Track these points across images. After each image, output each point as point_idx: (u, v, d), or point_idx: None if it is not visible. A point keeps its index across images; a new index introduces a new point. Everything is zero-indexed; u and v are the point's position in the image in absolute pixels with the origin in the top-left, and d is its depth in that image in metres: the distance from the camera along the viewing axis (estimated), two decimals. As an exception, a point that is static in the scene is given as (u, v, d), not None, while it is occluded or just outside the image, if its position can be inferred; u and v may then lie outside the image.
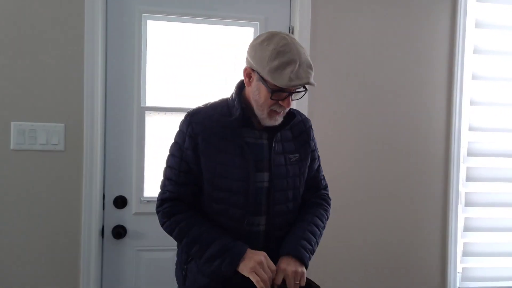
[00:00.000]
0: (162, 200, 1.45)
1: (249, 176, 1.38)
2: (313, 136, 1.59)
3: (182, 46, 2.14)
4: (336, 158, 2.20)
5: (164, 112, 2.14)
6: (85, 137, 2.02)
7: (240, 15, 2.17)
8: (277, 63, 1.28)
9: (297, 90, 1.37)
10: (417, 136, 2.27)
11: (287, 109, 1.41)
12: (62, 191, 2.02)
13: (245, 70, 1.40)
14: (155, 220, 2.09)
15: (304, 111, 2.13)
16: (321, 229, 1.49)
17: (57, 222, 2.02)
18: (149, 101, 2.13)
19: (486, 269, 2.36)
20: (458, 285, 2.32)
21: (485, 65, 2.30)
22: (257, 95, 1.37)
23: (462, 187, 2.31)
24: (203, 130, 1.41)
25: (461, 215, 2.31)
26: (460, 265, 2.33)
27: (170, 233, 1.43)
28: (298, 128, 1.54)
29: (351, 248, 2.24)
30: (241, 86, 1.49)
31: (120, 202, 2.11)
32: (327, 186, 1.67)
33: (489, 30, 2.29)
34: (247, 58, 1.40)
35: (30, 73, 1.97)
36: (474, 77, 2.29)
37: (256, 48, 1.35)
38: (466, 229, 2.32)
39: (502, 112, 2.33)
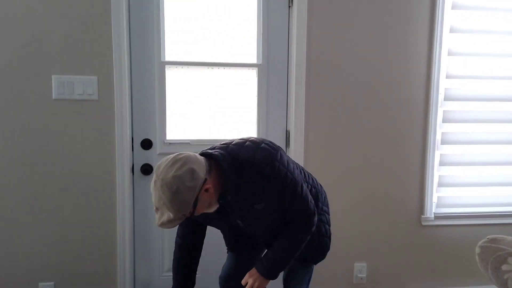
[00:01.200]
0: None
1: (226, 225, 1.84)
2: (272, 181, 1.56)
3: (195, 5, 2.43)
4: (330, 109, 2.55)
5: (182, 66, 2.46)
6: (115, 88, 2.34)
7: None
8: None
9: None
10: (401, 83, 2.60)
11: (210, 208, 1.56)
12: (98, 135, 2.37)
13: None
14: (176, 159, 2.49)
15: (302, 66, 2.46)
16: (295, 250, 1.70)
17: (95, 161, 2.38)
18: (169, 57, 2.45)
19: (457, 197, 2.77)
20: (434, 211, 2.74)
21: (462, 19, 2.61)
22: None
23: (439, 128, 2.68)
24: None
25: (438, 151, 2.69)
26: (436, 194, 2.74)
27: None
28: (255, 181, 1.56)
29: (343, 179, 2.63)
30: None
31: (147, 144, 2.47)
32: (303, 213, 1.68)
33: (466, -12, 2.59)
34: None
35: (66, 33, 2.27)
36: (452, 31, 2.61)
37: None
38: (442, 163, 2.72)
39: (476, 61, 2.66)
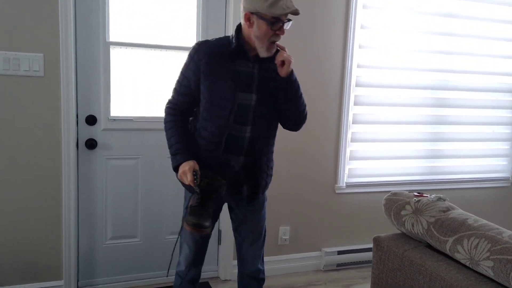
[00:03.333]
0: (168, 101, 1.99)
1: (235, 95, 1.83)
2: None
3: (139, -8, 2.60)
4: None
5: (126, 46, 2.62)
6: (62, 65, 2.45)
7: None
8: (271, 0, 1.71)
9: (286, 21, 1.78)
10: (322, 72, 3.00)
11: (279, 39, 1.82)
12: (44, 110, 2.46)
13: (245, 15, 1.78)
14: (120, 135, 2.68)
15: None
16: (302, 97, 1.98)
17: (41, 135, 2.47)
18: (114, 37, 2.59)
19: (364, 169, 3.28)
20: (345, 180, 3.21)
21: (371, 19, 3.07)
22: (257, 31, 1.78)
23: (351, 110, 3.13)
24: (205, 56, 1.84)
25: (349, 129, 3.16)
26: (347, 166, 3.21)
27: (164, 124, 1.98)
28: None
29: (271, 155, 2.98)
30: (238, 29, 1.88)
31: (91, 119, 2.60)
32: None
33: (375, -9, 3.04)
34: (244, 6, 1.79)
35: (13, 10, 2.32)
36: (362, 27, 3.06)
37: None
38: (352, 140, 3.19)
39: (382, 54, 3.15)
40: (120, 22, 2.59)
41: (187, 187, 1.97)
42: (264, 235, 2.14)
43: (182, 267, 2.08)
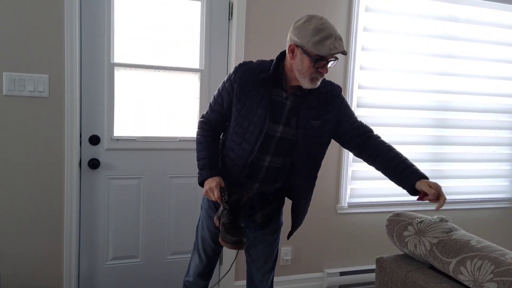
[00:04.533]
0: (202, 115, 1.98)
1: (265, 123, 1.77)
2: (341, 104, 1.91)
3: (144, 12, 2.64)
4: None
5: (130, 68, 2.66)
6: (66, 86, 2.48)
7: (191, -9, 2.71)
8: (319, 38, 1.63)
9: (331, 60, 1.70)
10: (322, 92, 3.03)
11: (324, 76, 1.75)
12: (48, 130, 2.48)
13: (289, 46, 1.72)
14: (123, 155, 2.70)
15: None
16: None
17: (44, 155, 2.49)
18: (118, 59, 2.62)
19: (366, 189, 3.28)
20: (347, 200, 3.21)
21: (371, 40, 3.11)
22: (300, 65, 1.70)
23: (352, 130, 3.15)
24: (241, 78, 1.80)
25: (351, 150, 3.17)
26: (349, 186, 3.21)
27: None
28: (324, 98, 1.84)
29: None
30: (281, 56, 1.82)
31: (95, 139, 2.62)
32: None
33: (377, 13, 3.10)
34: (290, 37, 1.72)
35: (19, 32, 2.36)
36: (363, 49, 3.10)
37: (300, 28, 1.68)
38: (354, 160, 3.19)
39: (383, 75, 3.18)
40: (125, 43, 2.63)
41: (212, 201, 1.94)
42: (275, 260, 2.12)
43: (190, 277, 2.09)
